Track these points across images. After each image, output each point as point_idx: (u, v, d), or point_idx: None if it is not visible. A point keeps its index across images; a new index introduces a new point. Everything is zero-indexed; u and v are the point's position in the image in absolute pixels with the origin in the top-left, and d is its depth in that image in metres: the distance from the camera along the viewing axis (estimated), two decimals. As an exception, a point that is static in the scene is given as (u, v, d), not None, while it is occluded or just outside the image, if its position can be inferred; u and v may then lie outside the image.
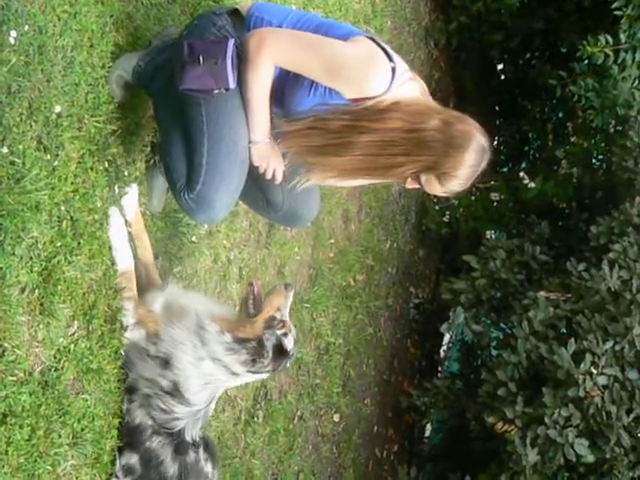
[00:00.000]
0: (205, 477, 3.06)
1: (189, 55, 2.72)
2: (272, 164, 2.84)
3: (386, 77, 2.68)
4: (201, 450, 3.04)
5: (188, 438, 2.99)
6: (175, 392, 2.93)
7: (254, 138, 2.78)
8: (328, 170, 2.83)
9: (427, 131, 2.64)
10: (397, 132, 2.65)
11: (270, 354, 2.94)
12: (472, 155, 2.65)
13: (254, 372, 3.00)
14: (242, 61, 2.75)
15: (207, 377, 2.97)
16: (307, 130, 2.73)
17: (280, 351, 2.96)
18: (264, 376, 3.11)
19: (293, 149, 2.81)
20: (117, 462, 2.94)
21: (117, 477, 2.93)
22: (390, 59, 2.70)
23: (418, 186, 2.77)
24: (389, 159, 2.69)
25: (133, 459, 2.93)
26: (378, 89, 2.69)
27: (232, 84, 2.71)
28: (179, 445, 2.97)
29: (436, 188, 2.75)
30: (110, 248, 2.95)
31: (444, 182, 2.71)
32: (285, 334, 2.98)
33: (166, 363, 2.93)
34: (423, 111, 2.69)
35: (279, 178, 2.87)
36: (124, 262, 2.99)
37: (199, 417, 3.02)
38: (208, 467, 3.08)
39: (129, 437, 2.96)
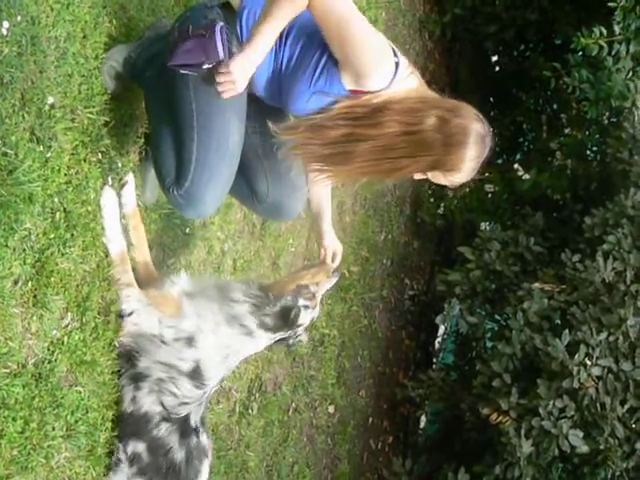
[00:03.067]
0: (204, 451, 3.05)
1: (179, 38, 2.70)
2: (236, 85, 2.67)
3: (389, 73, 2.66)
4: (201, 430, 3.03)
5: (192, 423, 2.99)
6: (193, 374, 2.93)
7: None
8: (335, 177, 2.88)
9: (425, 132, 2.62)
10: (395, 136, 2.64)
11: (276, 309, 2.95)
12: (473, 149, 2.64)
13: (259, 325, 2.97)
14: (231, 41, 2.71)
15: (225, 349, 2.97)
16: (306, 139, 2.73)
17: (285, 316, 2.97)
18: (271, 341, 3.08)
19: (298, 157, 2.81)
20: (121, 451, 2.92)
21: (122, 462, 2.91)
22: (394, 54, 2.69)
23: (425, 177, 2.78)
24: (392, 162, 2.69)
25: (139, 447, 2.92)
26: (379, 84, 2.67)
27: (222, 55, 2.65)
28: (185, 430, 2.97)
29: (442, 180, 2.77)
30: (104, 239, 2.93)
31: (449, 176, 2.72)
32: (306, 307, 3.01)
33: (190, 341, 2.93)
34: (418, 108, 2.66)
35: (225, 95, 2.68)
36: (116, 241, 2.95)
37: (202, 401, 3.02)
38: (204, 439, 3.07)
39: (134, 426, 2.94)
